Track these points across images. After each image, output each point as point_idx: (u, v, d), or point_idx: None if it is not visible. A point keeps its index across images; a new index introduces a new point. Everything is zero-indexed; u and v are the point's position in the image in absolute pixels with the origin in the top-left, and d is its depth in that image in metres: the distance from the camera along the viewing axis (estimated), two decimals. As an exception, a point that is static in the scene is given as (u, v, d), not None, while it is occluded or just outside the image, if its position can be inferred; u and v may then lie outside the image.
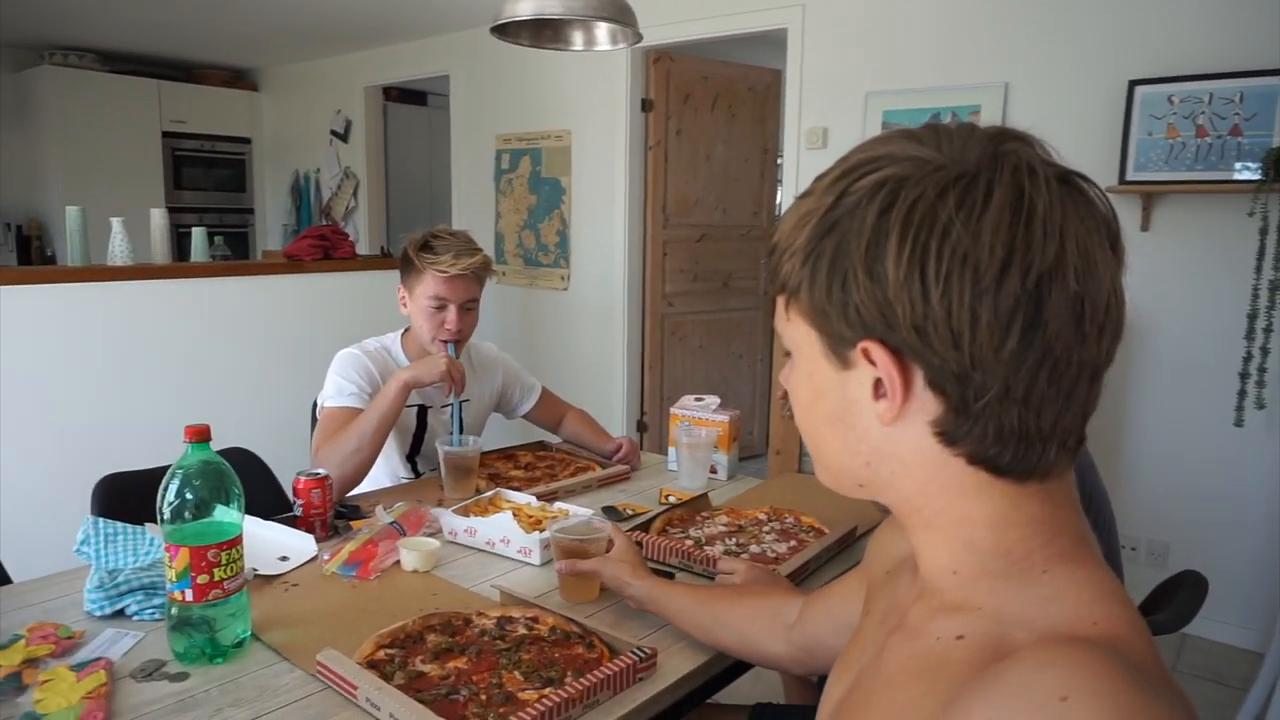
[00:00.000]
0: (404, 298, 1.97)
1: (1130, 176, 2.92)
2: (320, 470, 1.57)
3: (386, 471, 1.99)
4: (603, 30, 1.70)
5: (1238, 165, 2.76)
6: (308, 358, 3.24)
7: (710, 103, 4.52)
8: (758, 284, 4.90)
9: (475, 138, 4.93)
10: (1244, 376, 2.72)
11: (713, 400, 2.04)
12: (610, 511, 1.72)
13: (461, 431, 1.91)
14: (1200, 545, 2.89)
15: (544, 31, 1.70)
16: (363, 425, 1.74)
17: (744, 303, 4.86)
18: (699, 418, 1.99)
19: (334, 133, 5.68)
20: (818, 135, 3.67)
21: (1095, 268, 0.51)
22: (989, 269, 0.49)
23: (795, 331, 0.58)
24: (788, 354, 0.62)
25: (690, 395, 2.09)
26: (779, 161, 4.90)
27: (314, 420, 2.14)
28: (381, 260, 3.73)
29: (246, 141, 6.25)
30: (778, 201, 4.97)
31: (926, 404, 0.53)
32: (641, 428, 4.45)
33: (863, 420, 0.56)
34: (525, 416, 2.24)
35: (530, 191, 4.71)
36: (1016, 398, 0.51)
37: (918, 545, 0.60)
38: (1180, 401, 2.89)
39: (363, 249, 5.30)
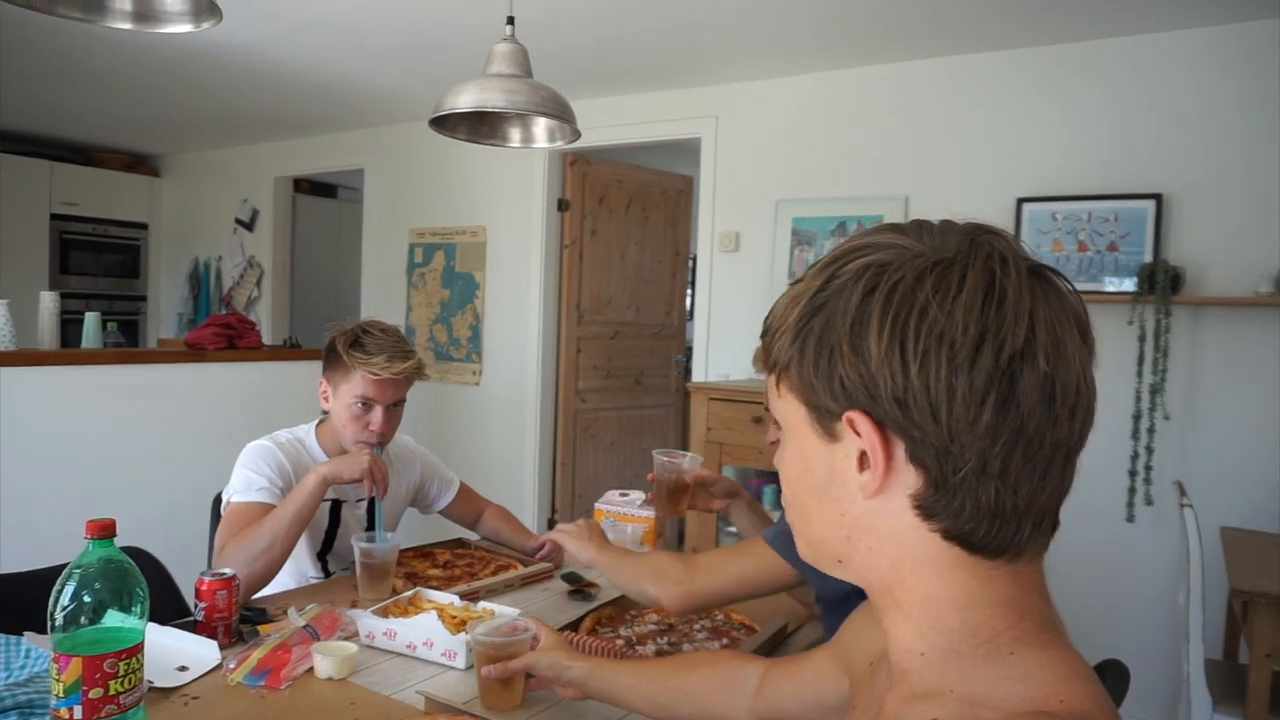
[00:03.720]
0: (325, 391, 1.89)
1: (1021, 285, 3.12)
2: (226, 570, 1.46)
3: (293, 572, 1.87)
4: (541, 127, 1.74)
5: (1114, 279, 2.99)
6: (208, 451, 3.07)
7: (625, 205, 4.65)
8: (669, 381, 4.95)
9: (388, 231, 4.91)
10: (1132, 474, 2.88)
11: (637, 495, 2.02)
12: (571, 577, 1.78)
13: (380, 528, 1.82)
14: (1099, 635, 2.98)
15: (481, 127, 1.73)
16: (275, 522, 1.64)
17: (656, 400, 4.89)
18: (624, 513, 1.96)
19: (239, 221, 5.55)
20: (730, 239, 3.80)
21: (1065, 351, 0.54)
22: (963, 347, 0.52)
23: (786, 407, 0.61)
24: (774, 439, 0.63)
25: (615, 490, 2.06)
26: (690, 263, 5.05)
27: (215, 517, 2.01)
28: (290, 351, 3.61)
29: (143, 227, 6.03)
30: (689, 302, 5.08)
31: (907, 477, 0.55)
32: (552, 525, 4.36)
33: (847, 493, 0.58)
34: (442, 512, 2.16)
35: (443, 286, 4.69)
36: (993, 472, 0.53)
37: (888, 628, 0.61)
38: (1076, 495, 3.02)
39: (266, 340, 5.12)
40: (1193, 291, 2.86)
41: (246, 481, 1.77)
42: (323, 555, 1.93)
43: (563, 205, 4.38)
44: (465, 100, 1.45)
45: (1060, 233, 3.09)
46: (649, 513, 1.94)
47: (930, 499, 0.55)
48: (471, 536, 2.16)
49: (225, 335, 3.23)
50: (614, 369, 4.65)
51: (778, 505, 3.34)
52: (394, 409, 1.86)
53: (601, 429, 4.60)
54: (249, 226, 5.52)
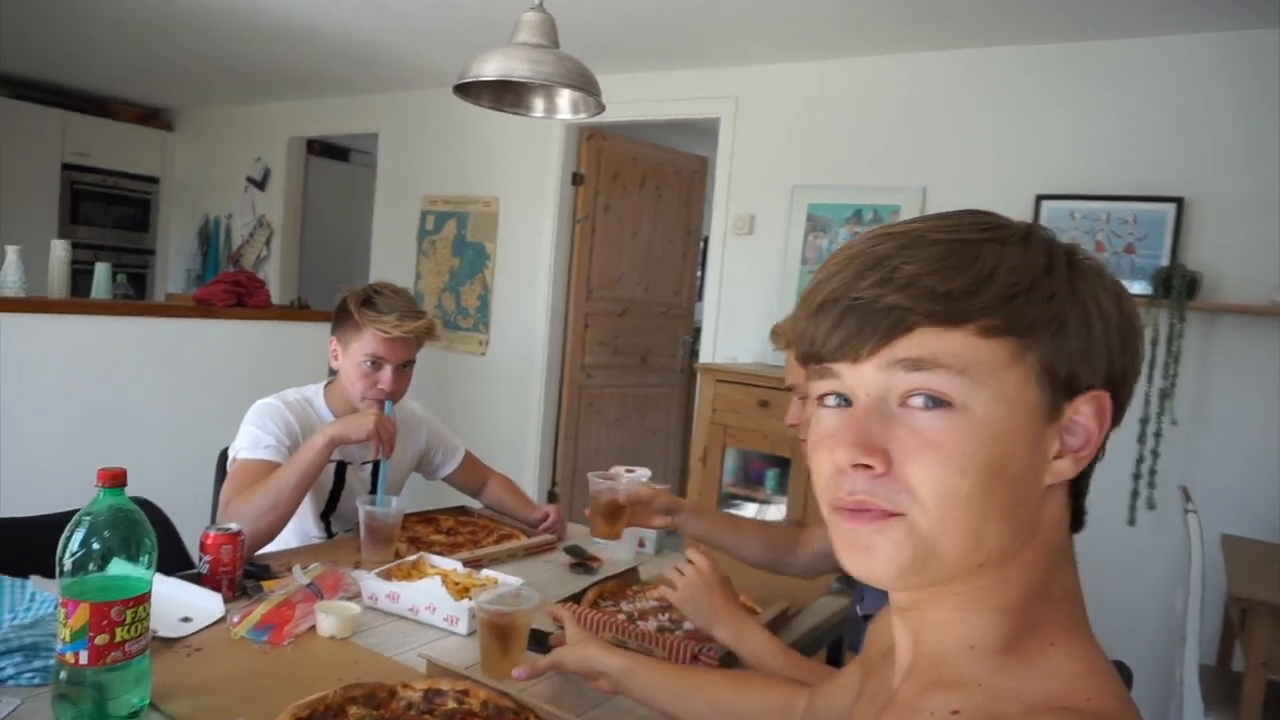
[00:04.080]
0: (335, 350, 1.89)
1: (1035, 282, 3.10)
2: (232, 525, 1.46)
3: (296, 531, 1.87)
4: (565, 99, 1.72)
5: (1129, 281, 2.97)
6: (214, 407, 3.07)
7: (639, 182, 4.62)
8: (675, 361, 4.94)
9: (400, 197, 4.88)
10: (1136, 478, 2.88)
11: (643, 472, 2.00)
12: (575, 550, 1.78)
13: (381, 492, 1.82)
14: (1100, 640, 2.98)
15: (505, 95, 1.71)
16: (281, 480, 1.64)
17: (661, 379, 4.89)
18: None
19: (251, 180, 5.53)
20: (744, 222, 3.78)
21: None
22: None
23: (999, 380, 0.53)
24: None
25: (621, 465, 2.05)
26: (701, 244, 5.02)
27: (220, 473, 2.01)
28: (298, 312, 3.60)
29: (154, 181, 6.01)
30: (698, 283, 5.06)
31: None
32: (552, 498, 4.37)
33: (1039, 481, 0.55)
34: (446, 479, 2.16)
35: (453, 254, 4.67)
36: None
37: (935, 621, 0.58)
38: (1077, 498, 3.02)
39: (275, 300, 5.11)
40: (1208, 297, 2.84)
41: (253, 439, 1.77)
42: (326, 516, 1.93)
43: (577, 179, 4.35)
44: (491, 68, 1.44)
45: (1078, 232, 3.06)
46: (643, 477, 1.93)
47: (1076, 480, 0.57)
48: (475, 505, 2.16)
49: (235, 293, 3.23)
50: (621, 346, 4.64)
51: (779, 489, 3.35)
52: (403, 369, 1.86)
53: (605, 405, 4.60)
54: (260, 185, 5.50)
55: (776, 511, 3.37)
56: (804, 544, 1.65)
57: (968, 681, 0.55)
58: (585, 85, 1.48)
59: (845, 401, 0.58)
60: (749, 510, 3.60)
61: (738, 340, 3.79)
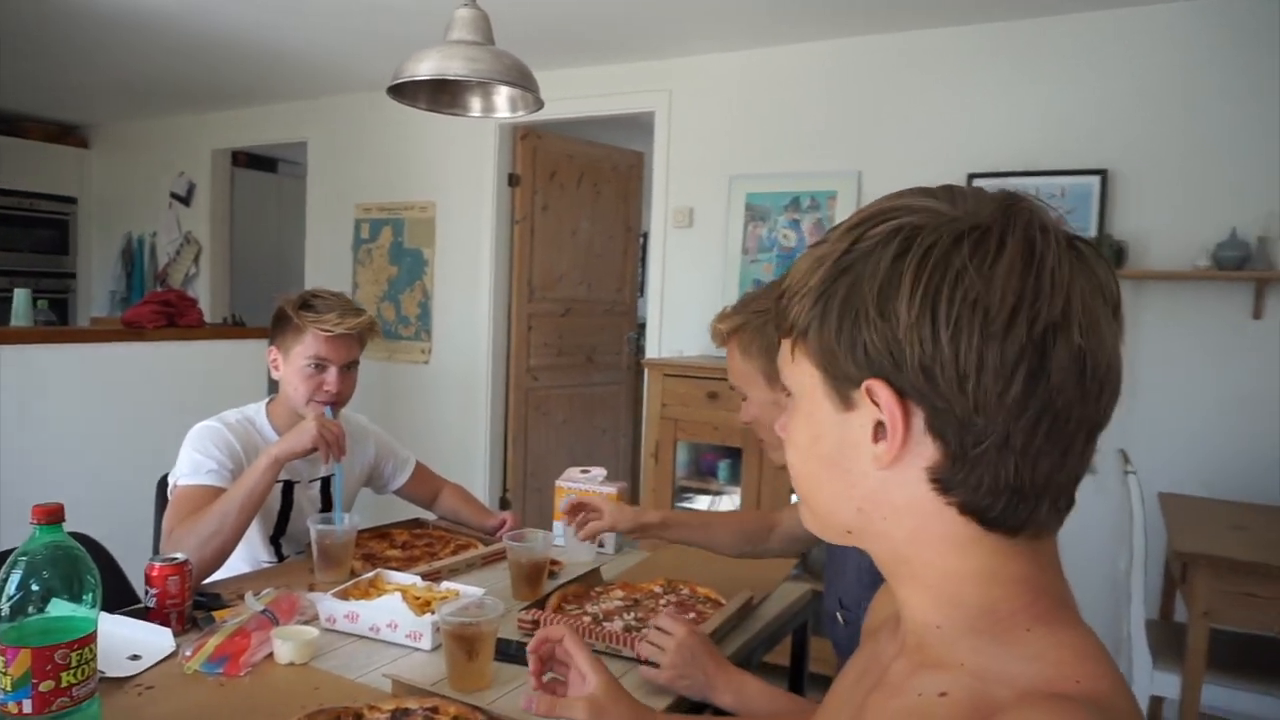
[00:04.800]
0: (276, 360, 1.84)
1: (970, 260, 3.17)
2: (177, 555, 1.41)
3: (245, 556, 1.81)
4: (503, 96, 1.69)
5: (1061, 253, 3.05)
6: (150, 433, 2.96)
7: (576, 180, 4.59)
8: (621, 358, 4.93)
9: (333, 206, 4.78)
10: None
11: (599, 472, 2.00)
12: None
13: (337, 509, 1.77)
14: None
15: (441, 95, 1.68)
16: (226, 505, 1.59)
17: (608, 377, 4.87)
18: (585, 489, 1.95)
19: (175, 195, 5.35)
20: (684, 215, 3.79)
21: (1099, 327, 0.53)
22: (998, 315, 0.50)
23: (799, 373, 0.59)
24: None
25: (575, 467, 2.04)
26: (641, 240, 5.02)
27: (161, 501, 1.94)
28: (232, 329, 3.50)
29: (71, 200, 5.78)
30: (640, 278, 5.06)
31: (924, 449, 0.54)
32: (505, 504, 4.33)
33: (859, 464, 0.56)
34: (398, 492, 2.12)
35: (391, 262, 4.59)
36: (1015, 447, 0.52)
37: (903, 598, 0.60)
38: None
39: (207, 318, 4.96)
40: (1135, 265, 2.93)
41: (194, 464, 1.71)
42: (275, 539, 1.88)
43: (513, 180, 4.31)
44: (426, 68, 1.41)
45: (1008, 208, 3.13)
46: (612, 488, 1.93)
47: (948, 472, 0.53)
48: (429, 516, 2.13)
49: (165, 313, 3.12)
50: (565, 346, 4.62)
51: (732, 480, 3.36)
52: (348, 371, 1.82)
53: (553, 407, 4.57)
54: (185, 201, 5.33)
55: (731, 502, 3.39)
56: (776, 526, 1.69)
57: (951, 663, 0.56)
58: (523, 82, 1.46)
59: None
60: (703, 503, 3.62)
61: (683, 334, 3.80)
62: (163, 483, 1.91)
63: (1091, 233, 2.99)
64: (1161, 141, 2.93)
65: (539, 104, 1.65)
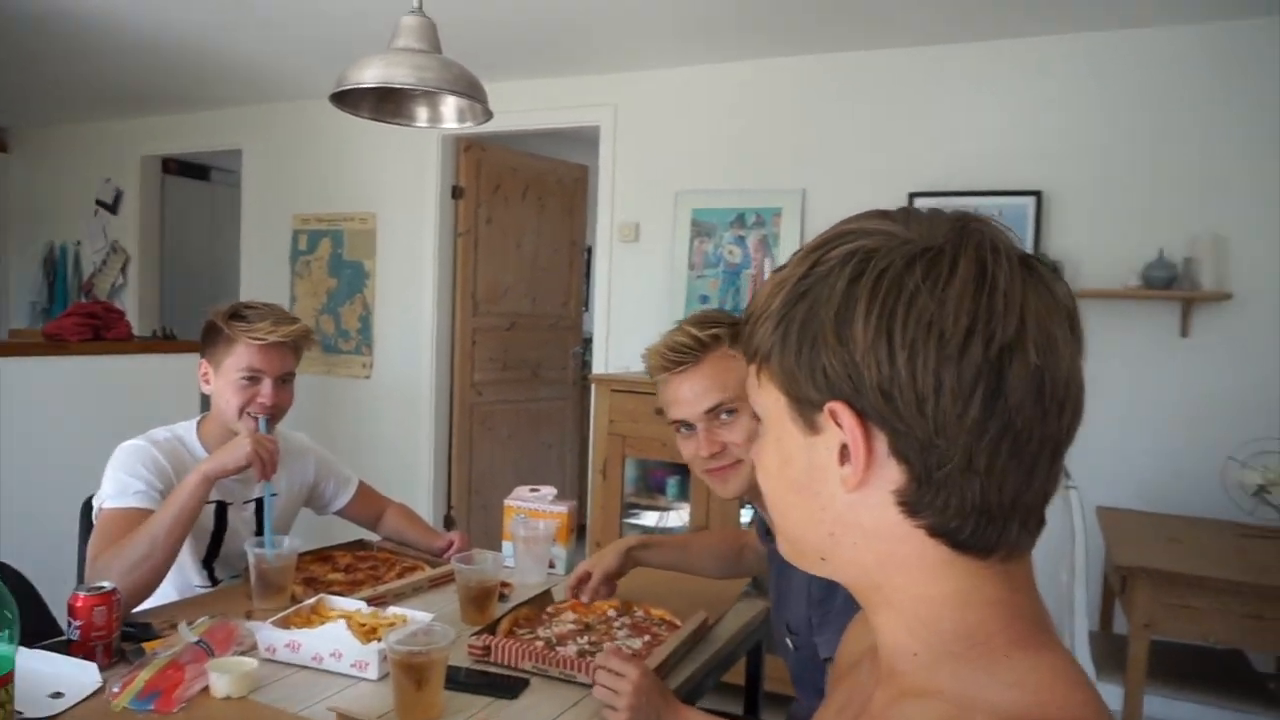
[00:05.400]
0: (206, 374, 1.76)
1: (913, 278, 3.22)
2: (104, 583, 1.33)
3: (176, 582, 1.72)
4: (450, 107, 1.65)
5: (1000, 271, 3.11)
6: (73, 453, 2.80)
7: (520, 193, 4.55)
8: (567, 373, 4.89)
9: (269, 216, 4.65)
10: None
11: (548, 491, 1.96)
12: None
13: (269, 531, 1.70)
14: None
15: (386, 104, 1.63)
16: (155, 527, 1.51)
17: (553, 392, 4.83)
18: (535, 509, 1.91)
19: (101, 203, 5.15)
20: (630, 230, 3.78)
21: (1055, 345, 0.52)
22: (953, 336, 0.50)
23: (765, 397, 0.59)
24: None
25: (524, 486, 2.00)
26: (586, 254, 5.00)
27: (85, 525, 1.84)
28: (163, 343, 3.36)
29: (-12, 208, 5.52)
30: (584, 293, 5.03)
31: (890, 472, 0.53)
32: (449, 522, 4.24)
33: (827, 487, 0.56)
34: (340, 512, 2.04)
35: (330, 274, 4.48)
36: (978, 469, 0.52)
37: (878, 625, 0.59)
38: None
39: (135, 331, 4.77)
40: (1069, 284, 3.01)
41: (120, 485, 1.62)
42: (209, 562, 1.80)
43: (457, 192, 4.25)
44: (371, 75, 1.36)
45: (949, 227, 3.19)
46: (562, 508, 1.89)
47: (913, 494, 0.53)
48: (373, 537, 2.06)
49: (89, 325, 2.97)
50: (510, 361, 4.56)
51: (681, 496, 3.35)
52: (284, 383, 1.75)
53: (498, 422, 4.50)
54: (112, 209, 5.13)
55: (679, 518, 3.37)
56: (748, 546, 1.68)
57: (931, 690, 0.55)
58: (471, 92, 1.42)
59: None
60: (652, 519, 3.59)
61: (629, 349, 3.77)
62: (87, 506, 1.81)
63: (1028, 252, 3.07)
64: (1093, 164, 3.03)
65: (487, 115, 1.61)
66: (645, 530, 3.53)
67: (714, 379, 1.35)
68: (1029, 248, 3.01)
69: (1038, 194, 3.08)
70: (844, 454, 0.54)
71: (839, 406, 0.53)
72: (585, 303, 5.15)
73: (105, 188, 5.14)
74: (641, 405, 3.19)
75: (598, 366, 3.83)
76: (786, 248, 3.45)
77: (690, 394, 1.36)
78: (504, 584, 1.74)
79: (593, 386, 3.50)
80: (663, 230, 3.71)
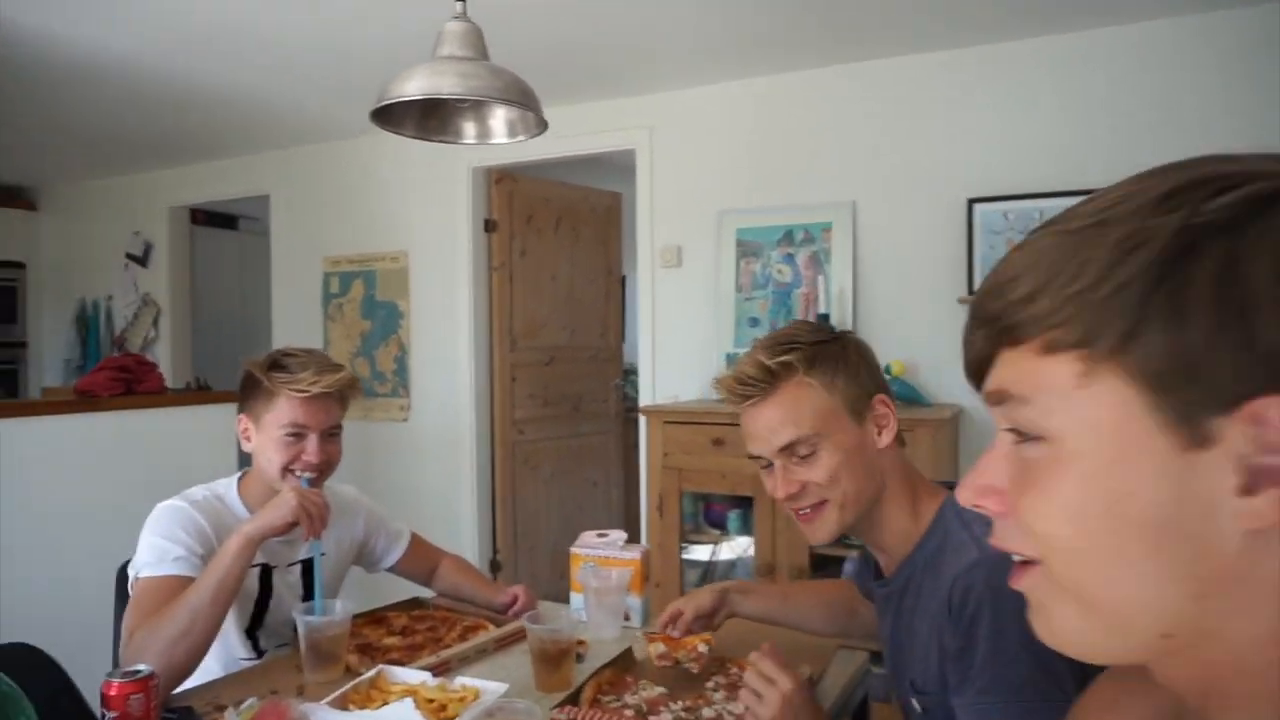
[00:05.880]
0: (247, 430, 1.62)
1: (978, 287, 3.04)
2: (141, 668, 1.18)
3: (219, 655, 1.57)
4: (499, 119, 1.51)
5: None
6: (107, 514, 2.69)
7: (554, 224, 4.43)
8: (609, 406, 4.73)
9: (299, 260, 4.56)
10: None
11: (618, 535, 1.80)
12: None
13: (319, 594, 1.54)
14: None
15: (430, 120, 1.49)
16: (195, 598, 1.36)
17: (596, 426, 4.67)
18: (605, 556, 1.74)
19: (131, 256, 5.10)
20: (672, 254, 3.63)
21: None
22: None
23: (1088, 405, 0.42)
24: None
25: (591, 531, 1.83)
26: (622, 282, 4.86)
27: (121, 595, 1.70)
28: (197, 394, 3.25)
29: (19, 266, 5.50)
30: (623, 322, 4.88)
31: None
32: (495, 567, 4.08)
33: (1210, 526, 0.39)
34: (392, 569, 1.89)
35: (363, 316, 4.37)
36: None
37: None
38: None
39: (169, 383, 4.68)
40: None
41: (158, 551, 1.48)
42: (252, 631, 1.64)
43: (489, 226, 4.14)
44: (414, 86, 1.22)
45: (1013, 232, 3.02)
46: (634, 553, 1.72)
47: None
48: (427, 594, 1.90)
49: (122, 379, 2.86)
50: (551, 396, 4.41)
51: (744, 530, 3.16)
52: (330, 437, 1.60)
53: (541, 460, 4.35)
54: (142, 262, 5.08)
55: (730, 550, 3.18)
56: (861, 599, 1.46)
57: None
58: (524, 100, 1.29)
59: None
60: (704, 553, 3.41)
61: (678, 378, 3.61)
62: (123, 574, 1.67)
63: (1102, 254, 2.87)
64: (1163, 159, 2.83)
65: (541, 126, 1.47)
66: (702, 566, 3.35)
67: (787, 412, 1.16)
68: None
69: (1108, 192, 2.89)
70: (1253, 476, 0.38)
71: (1272, 402, 0.37)
72: (623, 333, 5.00)
73: (134, 241, 5.10)
74: (697, 436, 3.01)
75: (644, 397, 3.67)
76: (840, 263, 3.28)
77: (764, 429, 1.19)
78: (579, 641, 1.56)
79: (642, 419, 3.34)
80: (706, 252, 3.56)
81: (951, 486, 1.22)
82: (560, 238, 4.46)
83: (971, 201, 3.07)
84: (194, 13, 2.68)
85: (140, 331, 5.03)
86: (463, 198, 4.08)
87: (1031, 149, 3.00)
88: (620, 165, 4.75)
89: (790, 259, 3.40)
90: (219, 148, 4.52)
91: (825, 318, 3.23)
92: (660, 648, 1.41)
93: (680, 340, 3.62)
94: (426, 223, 4.19)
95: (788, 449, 1.17)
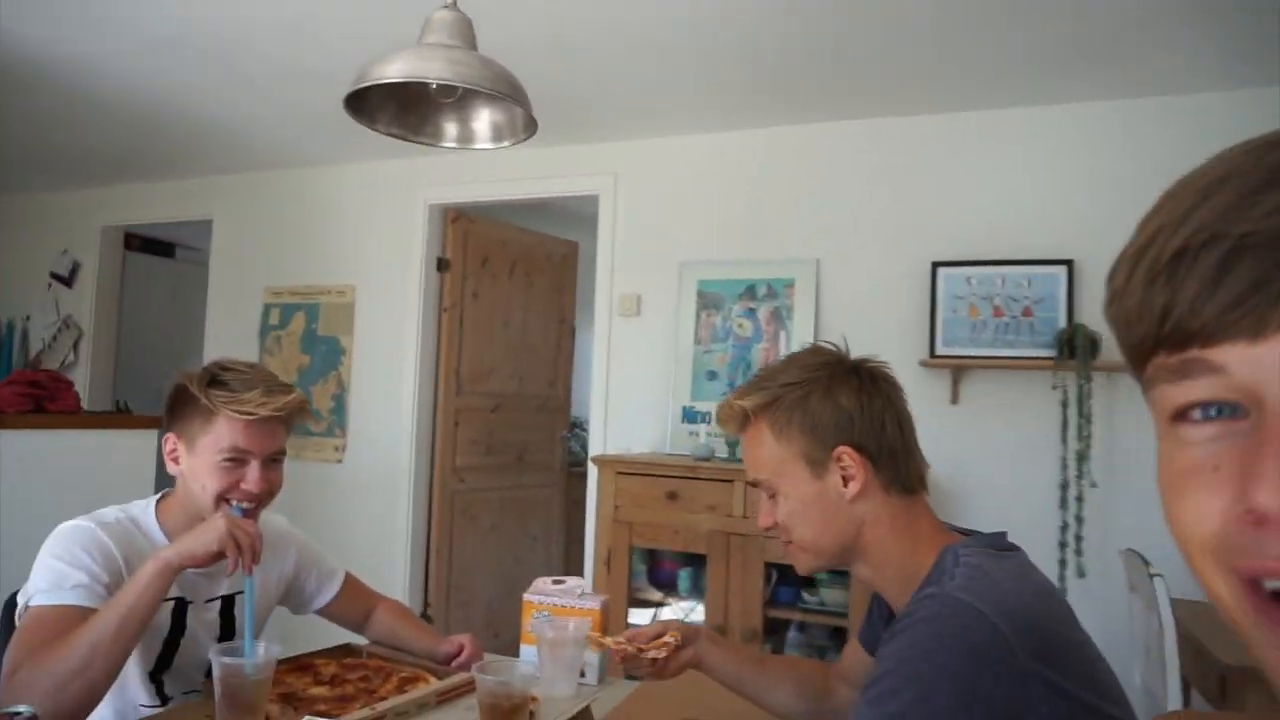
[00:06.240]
0: (175, 452, 1.44)
1: (939, 351, 3.02)
2: (21, 709, 1.00)
3: (114, 701, 1.38)
4: (484, 121, 1.40)
5: (1031, 343, 2.93)
6: (8, 545, 2.43)
7: (509, 268, 4.33)
8: (554, 458, 4.58)
9: (239, 289, 4.36)
10: (1063, 545, 2.77)
11: (576, 583, 1.66)
12: None
13: (249, 633, 1.36)
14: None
15: (408, 115, 1.38)
16: (96, 631, 1.18)
17: (539, 478, 4.50)
18: (562, 605, 1.60)
19: (55, 275, 4.82)
20: (631, 302, 3.56)
21: None
22: None
23: None
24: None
25: (545, 577, 1.69)
26: (572, 334, 4.75)
27: (7, 629, 1.49)
28: (116, 417, 3.02)
29: (-69, 281, 5.16)
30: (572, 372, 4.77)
31: None
32: (426, 621, 3.84)
33: None
34: (322, 611, 1.71)
35: (303, 350, 4.18)
36: None
37: None
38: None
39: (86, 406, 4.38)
40: (1107, 357, 2.82)
41: (55, 576, 1.29)
42: (157, 674, 1.45)
43: (442, 265, 4.02)
44: (396, 69, 1.12)
45: (975, 297, 3.02)
46: (594, 603, 1.58)
47: None
48: (360, 640, 1.72)
49: (31, 395, 2.62)
50: (495, 444, 4.25)
51: (695, 592, 3.02)
52: (273, 464, 1.44)
53: (481, 511, 4.16)
54: (67, 282, 4.80)
55: (695, 616, 3.03)
56: (839, 682, 1.32)
57: None
58: (513, 94, 1.19)
59: (1232, 411, 0.35)
60: (645, 616, 3.25)
61: (631, 429, 3.50)
62: (12, 601, 1.46)
63: (1061, 323, 2.89)
64: (1125, 230, 2.88)
65: (530, 129, 1.37)
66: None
67: (749, 453, 1.16)
68: (1063, 319, 2.84)
69: (1069, 263, 2.92)
70: None
71: None
72: (571, 383, 4.87)
73: (61, 259, 4.82)
74: (650, 489, 2.90)
75: (594, 448, 3.54)
76: (801, 320, 3.24)
77: (744, 460, 1.19)
78: (531, 698, 1.41)
79: (592, 469, 3.21)
80: (666, 303, 3.49)
81: (967, 533, 1.14)
82: (514, 282, 4.36)
83: (935, 265, 3.07)
84: (149, 16, 2.55)
85: (58, 355, 4.73)
86: (417, 234, 3.96)
87: (998, 216, 3.03)
88: (577, 215, 4.70)
89: (752, 313, 3.35)
90: (163, 168, 4.34)
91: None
92: (616, 640, 1.29)
93: (635, 391, 3.52)
94: (377, 257, 4.05)
95: (755, 485, 1.16)
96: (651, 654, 1.29)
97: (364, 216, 4.07)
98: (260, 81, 3.05)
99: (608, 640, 1.33)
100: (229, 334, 4.36)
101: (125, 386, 4.80)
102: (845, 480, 1.07)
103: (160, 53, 2.81)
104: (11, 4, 2.48)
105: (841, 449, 1.07)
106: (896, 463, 1.11)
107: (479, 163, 3.83)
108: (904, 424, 1.13)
